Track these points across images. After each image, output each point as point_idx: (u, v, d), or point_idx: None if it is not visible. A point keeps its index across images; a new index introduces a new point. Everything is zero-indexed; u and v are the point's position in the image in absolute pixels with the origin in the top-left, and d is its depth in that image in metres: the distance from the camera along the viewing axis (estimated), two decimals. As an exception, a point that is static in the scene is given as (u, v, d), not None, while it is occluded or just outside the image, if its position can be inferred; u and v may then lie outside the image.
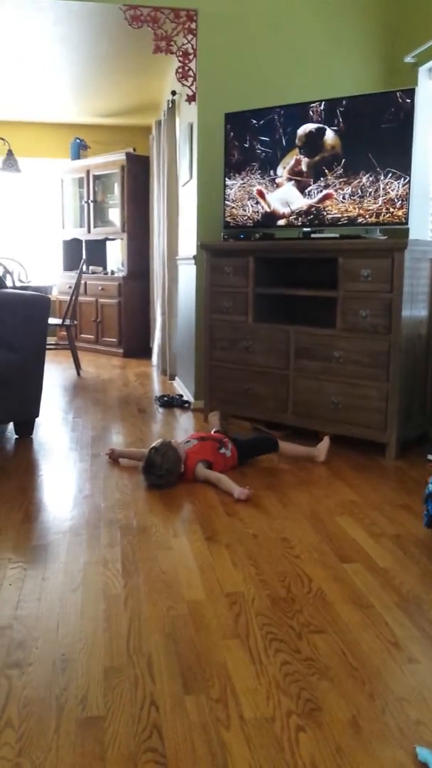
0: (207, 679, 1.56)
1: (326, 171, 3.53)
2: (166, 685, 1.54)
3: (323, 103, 3.51)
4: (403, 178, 3.28)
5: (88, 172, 7.14)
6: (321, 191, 3.56)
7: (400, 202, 3.30)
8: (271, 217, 3.77)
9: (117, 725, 1.40)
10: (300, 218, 3.66)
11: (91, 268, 7.29)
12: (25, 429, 3.71)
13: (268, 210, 3.77)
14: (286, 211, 3.71)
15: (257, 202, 3.80)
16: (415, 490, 2.87)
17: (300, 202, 3.65)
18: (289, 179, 3.67)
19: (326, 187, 3.54)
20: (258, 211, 3.81)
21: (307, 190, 3.62)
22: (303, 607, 1.90)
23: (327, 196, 3.54)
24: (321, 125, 3.52)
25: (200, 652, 1.67)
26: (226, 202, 3.93)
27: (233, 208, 3.91)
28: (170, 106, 5.20)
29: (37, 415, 3.67)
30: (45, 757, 1.32)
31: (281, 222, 3.74)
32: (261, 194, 3.78)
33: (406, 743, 1.36)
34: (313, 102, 3.54)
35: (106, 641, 1.72)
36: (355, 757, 1.32)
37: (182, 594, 1.97)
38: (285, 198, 3.71)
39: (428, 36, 3.65)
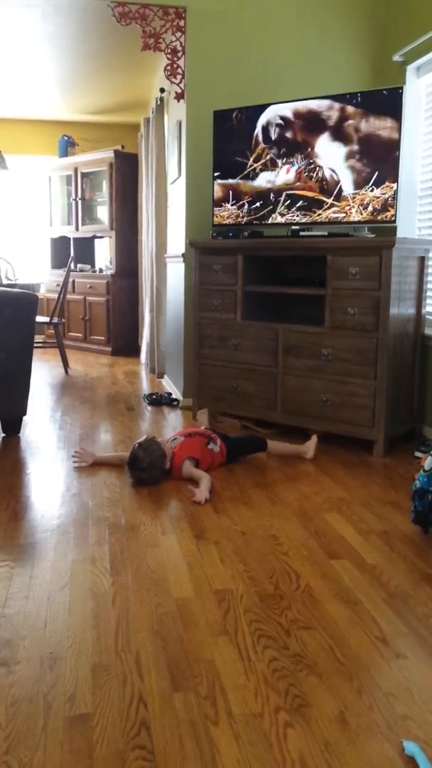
0: (195, 676, 1.56)
1: (314, 168, 3.53)
2: (155, 682, 1.54)
3: (311, 100, 3.51)
4: (391, 177, 3.29)
5: (76, 169, 7.11)
6: (309, 189, 3.57)
7: (388, 200, 3.31)
8: (259, 215, 3.77)
9: (105, 723, 1.40)
10: (288, 216, 3.66)
11: (79, 266, 7.26)
12: (13, 427, 3.69)
13: (256, 208, 3.77)
14: (274, 208, 3.71)
15: (245, 202, 3.80)
16: (403, 487, 2.88)
17: (288, 199, 3.65)
18: (277, 177, 3.67)
19: (314, 184, 3.54)
20: (247, 209, 3.81)
21: (295, 188, 3.62)
22: (291, 604, 1.90)
23: (315, 194, 3.54)
24: (309, 122, 3.53)
25: (188, 649, 1.67)
26: (215, 199, 3.92)
27: (221, 205, 3.90)
28: (159, 103, 5.19)
29: (24, 414, 3.66)
30: (33, 755, 1.31)
31: (270, 220, 3.74)
32: (248, 194, 3.78)
33: (393, 737, 1.36)
34: (302, 100, 3.54)
35: (94, 639, 1.71)
36: (343, 752, 1.32)
37: (170, 591, 1.97)
38: (273, 194, 3.70)
39: (416, 35, 3.66)
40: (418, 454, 3.31)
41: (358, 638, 1.73)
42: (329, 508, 2.65)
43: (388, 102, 3.27)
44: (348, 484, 2.93)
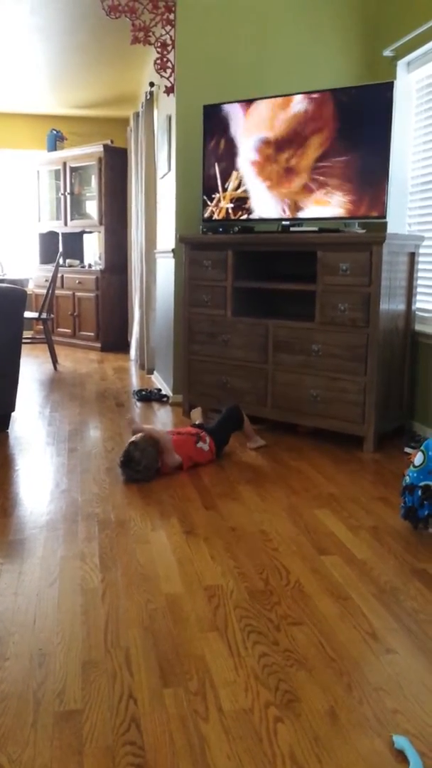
0: (185, 672, 1.56)
1: (305, 164, 3.52)
2: (144, 678, 1.53)
3: (302, 95, 3.50)
4: (381, 172, 3.29)
5: (64, 164, 7.06)
6: (300, 184, 3.56)
7: (378, 195, 3.31)
8: (250, 210, 3.76)
9: (95, 719, 1.40)
10: (279, 211, 3.66)
11: (68, 261, 7.22)
12: (1, 423, 3.66)
13: (246, 204, 3.76)
14: (265, 204, 3.70)
15: (237, 197, 3.79)
16: (392, 483, 2.89)
17: (279, 194, 3.64)
18: (269, 171, 3.66)
19: (305, 180, 3.54)
20: (237, 205, 3.80)
21: (286, 183, 3.61)
22: (281, 600, 1.90)
23: (306, 190, 3.54)
24: (299, 118, 3.52)
25: (178, 645, 1.67)
26: (205, 194, 3.91)
27: (212, 200, 3.89)
28: (148, 97, 5.16)
29: (12, 410, 3.64)
30: (22, 751, 1.30)
31: (260, 215, 3.74)
32: (239, 188, 3.77)
33: (383, 732, 1.37)
34: (292, 95, 3.54)
35: (84, 635, 1.71)
36: (333, 746, 1.32)
37: (160, 587, 1.96)
38: (264, 191, 3.70)
39: (407, 30, 3.66)
40: (407, 449, 3.32)
41: (348, 633, 1.74)
42: (319, 504, 2.65)
43: (379, 97, 3.26)
44: (338, 480, 2.93)
